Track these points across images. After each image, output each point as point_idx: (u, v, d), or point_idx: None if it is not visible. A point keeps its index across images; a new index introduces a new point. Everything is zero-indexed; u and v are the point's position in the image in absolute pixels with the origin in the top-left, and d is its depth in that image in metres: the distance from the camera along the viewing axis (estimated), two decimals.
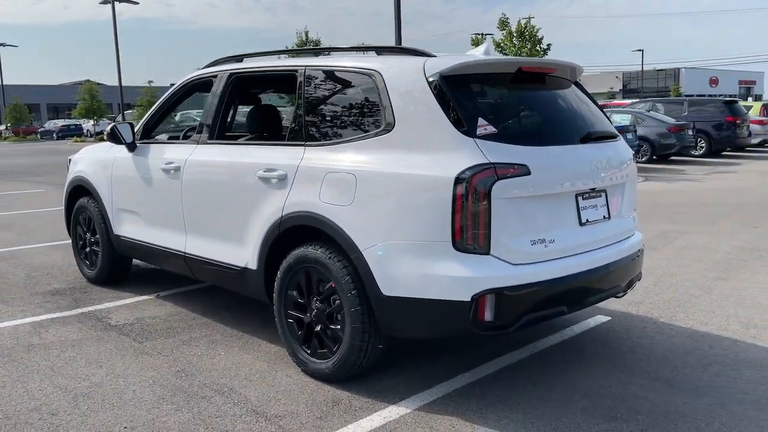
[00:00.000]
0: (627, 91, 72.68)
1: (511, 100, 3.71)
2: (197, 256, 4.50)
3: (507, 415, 3.34)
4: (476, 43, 14.38)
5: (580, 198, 3.53)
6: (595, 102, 4.17)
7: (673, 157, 19.61)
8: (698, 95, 51.90)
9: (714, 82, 76.57)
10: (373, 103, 3.56)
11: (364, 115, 3.63)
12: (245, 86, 4.95)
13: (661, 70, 77.28)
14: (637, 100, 28.65)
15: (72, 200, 5.95)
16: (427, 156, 3.27)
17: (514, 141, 3.30)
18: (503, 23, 14.80)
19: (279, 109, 5.30)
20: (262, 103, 5.24)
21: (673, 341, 4.38)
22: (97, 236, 5.61)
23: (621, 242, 3.82)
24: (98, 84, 51.35)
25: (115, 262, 5.62)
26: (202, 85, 4.83)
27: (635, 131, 17.31)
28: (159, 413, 3.37)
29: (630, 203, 4.04)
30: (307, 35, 23.91)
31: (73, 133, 48.82)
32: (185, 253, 4.61)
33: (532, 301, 3.27)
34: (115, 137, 5.06)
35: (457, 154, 3.18)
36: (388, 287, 3.31)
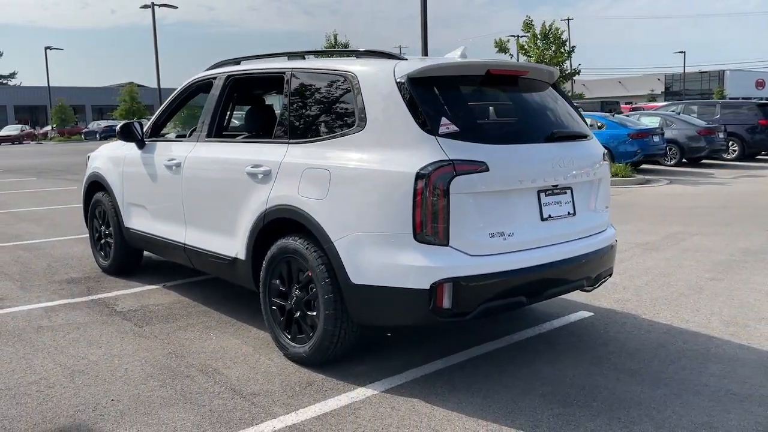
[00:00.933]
0: (669, 94, 71.41)
1: (478, 100, 3.90)
2: (195, 247, 4.79)
3: (467, 398, 3.52)
4: (499, 46, 14.52)
5: (542, 194, 3.70)
6: (572, 104, 4.32)
7: (704, 161, 19.38)
8: (744, 98, 50.62)
9: (761, 84, 74.49)
10: (348, 103, 3.79)
11: (340, 114, 3.86)
12: (241, 87, 5.22)
13: (705, 72, 75.68)
14: (669, 102, 28.24)
15: (89, 195, 6.32)
16: (393, 153, 3.48)
17: (476, 139, 3.49)
18: (527, 26, 14.84)
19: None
20: (259, 103, 5.51)
21: (649, 336, 4.49)
22: (111, 229, 5.96)
23: (588, 238, 3.96)
24: (140, 86, 52.75)
25: (126, 254, 5.95)
26: (204, 86, 5.12)
27: (662, 134, 17.18)
28: (145, 389, 3.65)
29: (601, 200, 4.17)
30: (335, 38, 24.33)
31: (114, 133, 50.20)
32: (185, 244, 4.91)
33: (489, 290, 3.44)
34: (124, 135, 5.40)
35: (419, 152, 3.38)
36: (356, 276, 3.53)
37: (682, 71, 69.26)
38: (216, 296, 5.43)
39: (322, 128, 3.95)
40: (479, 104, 3.90)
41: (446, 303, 3.35)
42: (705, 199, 11.61)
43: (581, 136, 4.07)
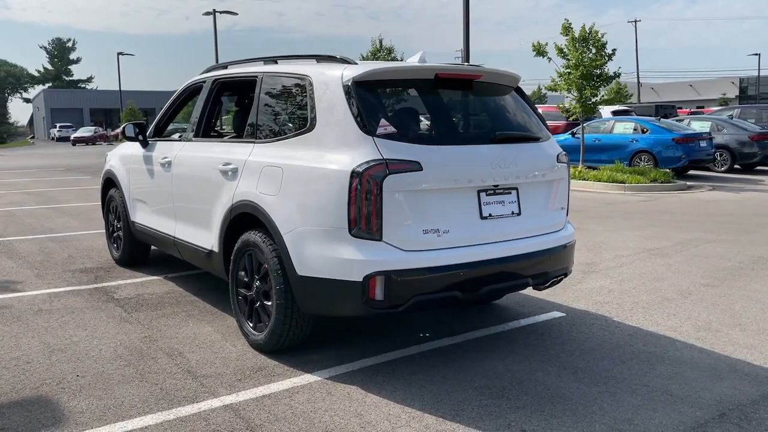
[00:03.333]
0: (745, 97, 68.53)
1: (423, 103, 4.04)
2: (182, 240, 5.11)
3: (403, 387, 3.68)
4: (536, 49, 14.32)
5: (482, 194, 3.81)
6: (534, 108, 4.39)
7: (759, 167, 18.68)
8: None
9: None
10: (303, 105, 4.01)
11: (297, 115, 4.09)
12: (226, 90, 5.52)
13: None
14: (724, 107, 27.22)
15: (105, 191, 6.76)
16: (335, 152, 3.68)
17: (412, 140, 3.65)
18: (566, 29, 14.70)
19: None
20: (241, 105, 5.77)
21: (610, 338, 4.52)
22: (121, 223, 6.37)
23: (535, 237, 4.03)
24: None
25: (134, 246, 6.34)
26: (197, 89, 5.44)
27: (710, 138, 16.68)
28: (110, 367, 3.96)
29: (555, 201, 4.23)
30: (381, 42, 24.71)
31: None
32: (174, 237, 5.23)
33: (421, 284, 3.58)
34: (127, 135, 5.78)
35: (357, 151, 3.57)
36: (301, 268, 3.74)
37: (757, 74, 66.35)
38: (207, 287, 5.73)
39: (282, 128, 4.19)
40: (422, 106, 4.04)
41: (379, 295, 3.52)
42: (738, 207, 11.28)
43: (531, 139, 4.15)
